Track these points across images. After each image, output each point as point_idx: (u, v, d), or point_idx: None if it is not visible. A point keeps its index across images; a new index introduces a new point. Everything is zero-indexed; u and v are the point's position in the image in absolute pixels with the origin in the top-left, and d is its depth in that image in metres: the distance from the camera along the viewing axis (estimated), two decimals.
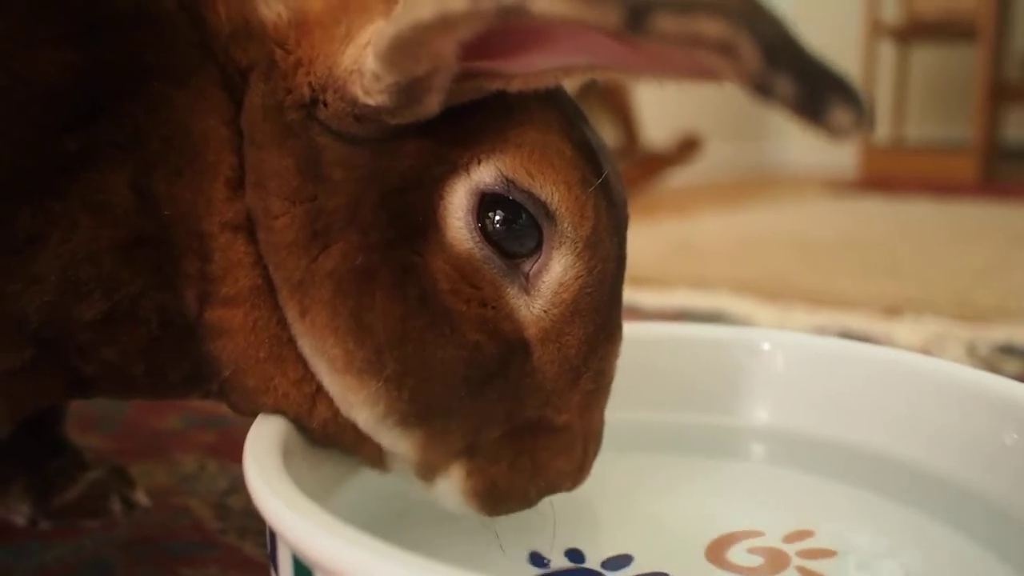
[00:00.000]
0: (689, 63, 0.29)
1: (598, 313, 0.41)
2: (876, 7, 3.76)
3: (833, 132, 0.25)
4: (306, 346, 0.40)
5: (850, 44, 3.77)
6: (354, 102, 0.37)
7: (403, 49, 0.34)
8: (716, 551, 0.45)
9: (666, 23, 0.27)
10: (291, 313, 0.40)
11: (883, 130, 4.01)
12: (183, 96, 0.40)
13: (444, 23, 0.31)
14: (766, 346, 0.59)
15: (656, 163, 3.07)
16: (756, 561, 0.44)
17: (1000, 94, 3.68)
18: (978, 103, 3.60)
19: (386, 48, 0.34)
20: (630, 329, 0.44)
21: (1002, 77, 3.71)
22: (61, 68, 0.38)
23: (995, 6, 3.50)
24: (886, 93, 3.95)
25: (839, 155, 3.97)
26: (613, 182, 0.42)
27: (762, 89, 0.26)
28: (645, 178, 2.99)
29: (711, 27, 0.26)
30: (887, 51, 3.91)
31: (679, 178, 3.21)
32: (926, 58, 4.09)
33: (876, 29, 3.78)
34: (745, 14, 0.26)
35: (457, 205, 0.39)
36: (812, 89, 0.25)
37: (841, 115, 0.25)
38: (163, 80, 0.40)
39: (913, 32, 3.83)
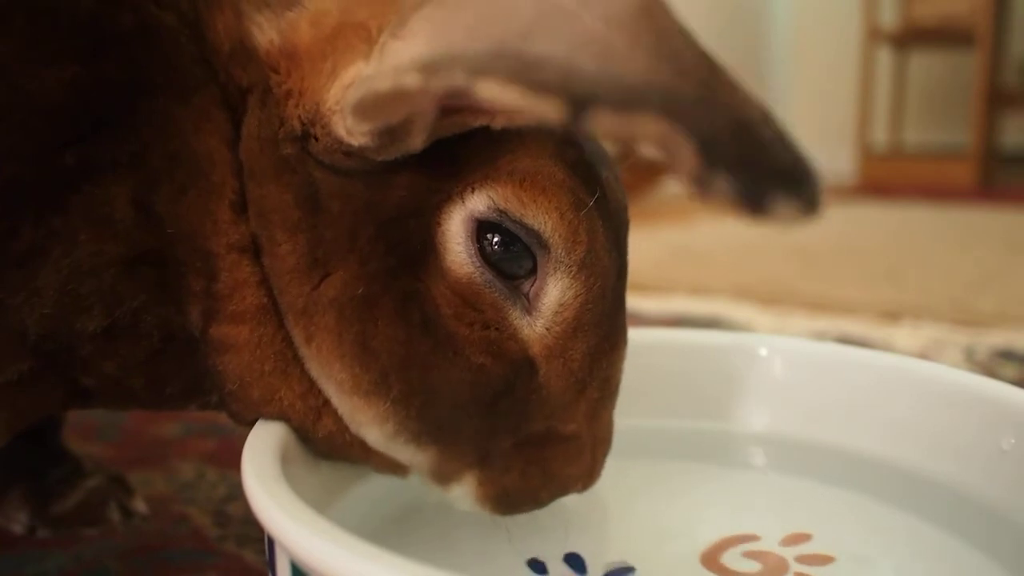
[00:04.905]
0: None
1: (600, 326, 0.41)
2: (874, 13, 3.77)
3: (778, 223, 0.25)
4: (313, 369, 0.41)
5: (848, 50, 3.79)
6: (340, 140, 0.37)
7: (371, 108, 0.34)
8: (713, 556, 0.45)
9: (605, 120, 0.27)
10: (297, 338, 0.40)
11: (881, 136, 4.02)
12: (185, 114, 0.40)
13: (399, 96, 0.32)
14: (764, 351, 0.59)
15: (655, 169, 3.07)
16: (754, 566, 0.44)
17: (998, 100, 3.69)
18: (976, 109, 3.61)
19: (354, 107, 0.35)
20: (629, 334, 0.44)
21: (1000, 83, 3.72)
22: (63, 83, 0.38)
23: (993, 12, 3.51)
24: (884, 99, 3.96)
25: (837, 161, 3.97)
26: (611, 189, 0.41)
27: (700, 186, 0.26)
28: (643, 185, 2.99)
29: (648, 125, 0.27)
30: (885, 57, 3.93)
31: (678, 184, 3.20)
32: (924, 64, 4.10)
33: (874, 35, 3.79)
34: (688, 107, 0.27)
35: (455, 232, 0.39)
36: (752, 185, 0.25)
37: (784, 208, 0.25)
38: (165, 97, 0.40)
39: (911, 38, 3.84)
